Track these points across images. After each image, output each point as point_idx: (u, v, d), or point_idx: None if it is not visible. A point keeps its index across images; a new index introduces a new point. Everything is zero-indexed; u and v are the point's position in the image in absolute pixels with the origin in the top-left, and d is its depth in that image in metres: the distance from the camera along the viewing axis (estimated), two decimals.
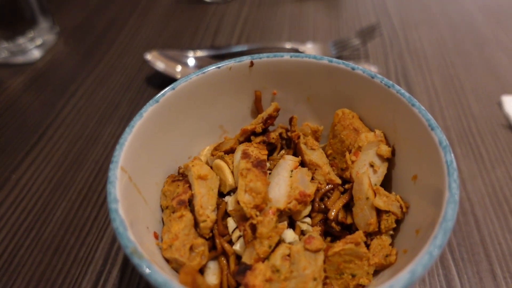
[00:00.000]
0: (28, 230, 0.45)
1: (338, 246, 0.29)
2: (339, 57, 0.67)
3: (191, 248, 0.29)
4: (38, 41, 0.75)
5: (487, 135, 0.53)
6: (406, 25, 0.77)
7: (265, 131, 0.39)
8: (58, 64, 0.73)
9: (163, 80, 0.65)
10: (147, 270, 0.22)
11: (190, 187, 0.33)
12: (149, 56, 0.62)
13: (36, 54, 0.74)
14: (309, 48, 0.68)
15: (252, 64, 0.37)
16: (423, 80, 0.63)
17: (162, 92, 0.34)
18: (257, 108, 0.40)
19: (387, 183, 0.35)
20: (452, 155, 0.27)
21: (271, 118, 0.39)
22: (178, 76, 0.60)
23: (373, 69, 0.63)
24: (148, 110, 0.32)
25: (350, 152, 0.35)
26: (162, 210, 0.34)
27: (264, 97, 0.40)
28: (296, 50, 0.69)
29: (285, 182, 0.32)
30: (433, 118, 0.30)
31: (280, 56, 0.37)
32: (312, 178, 0.34)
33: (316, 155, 0.35)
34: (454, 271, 0.39)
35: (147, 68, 0.69)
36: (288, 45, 0.69)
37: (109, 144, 0.56)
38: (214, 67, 0.36)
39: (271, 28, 0.79)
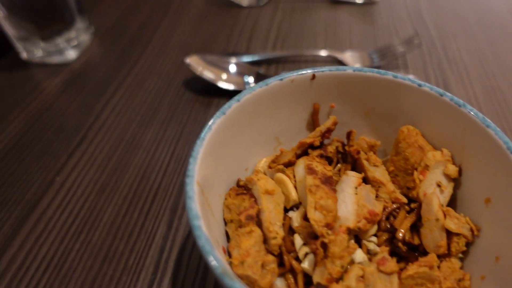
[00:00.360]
0: (77, 234, 0.46)
1: (412, 269, 0.28)
2: (379, 67, 0.66)
3: (262, 265, 0.29)
4: (75, 41, 0.75)
5: None
6: (443, 35, 0.76)
7: (321, 144, 0.39)
8: (94, 65, 0.73)
9: (201, 84, 0.65)
10: None
11: (256, 201, 0.32)
12: (189, 60, 0.62)
13: (72, 54, 0.75)
14: (349, 56, 0.68)
15: (314, 77, 0.37)
16: (464, 91, 0.62)
17: (228, 103, 0.34)
18: (313, 121, 0.40)
19: (452, 204, 0.34)
20: None
21: (328, 132, 0.38)
22: (223, 83, 0.60)
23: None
24: (216, 123, 0.32)
25: (415, 170, 0.34)
26: (226, 223, 0.34)
27: (322, 109, 0.40)
28: (335, 59, 0.68)
29: (351, 200, 0.32)
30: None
31: (342, 70, 0.37)
32: (376, 196, 0.34)
33: (379, 172, 0.35)
34: None
35: (184, 71, 0.69)
36: (324, 53, 0.69)
37: (151, 149, 0.56)
38: (276, 80, 0.36)
39: (306, 33, 0.78)
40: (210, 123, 0.32)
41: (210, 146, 0.31)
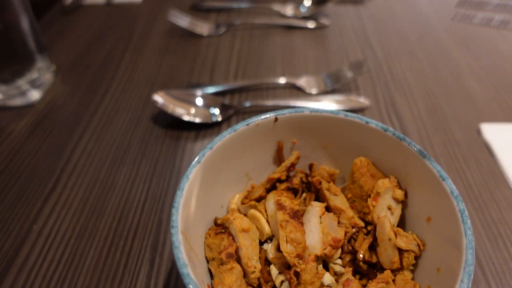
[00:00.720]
0: (60, 281, 0.47)
1: (372, 286, 0.33)
2: (332, 90, 0.72)
3: None
4: (37, 82, 0.75)
5: (471, 161, 0.60)
6: (388, 56, 0.84)
7: (287, 178, 0.43)
8: (59, 104, 0.74)
9: (170, 118, 0.68)
10: None
11: (233, 239, 0.36)
12: (156, 97, 0.65)
13: (35, 95, 0.75)
14: (305, 81, 0.73)
15: (276, 119, 0.41)
16: (409, 110, 0.70)
17: (202, 152, 0.37)
18: (278, 157, 0.45)
19: (401, 223, 0.40)
20: (463, 204, 0.32)
21: (293, 166, 0.43)
22: (190, 117, 0.63)
23: (364, 101, 0.69)
24: (193, 172, 0.36)
25: (369, 196, 0.40)
26: (208, 261, 0.37)
27: (285, 146, 0.45)
28: (293, 85, 0.74)
29: (317, 229, 0.37)
30: (444, 170, 0.35)
31: (301, 112, 0.41)
32: (338, 222, 0.38)
33: (339, 200, 0.40)
34: None
35: (151, 106, 0.71)
36: (283, 80, 0.74)
37: (126, 188, 0.58)
38: (243, 125, 0.40)
39: (265, 60, 0.83)
40: (187, 172, 0.35)
41: (189, 194, 0.35)
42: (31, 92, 0.75)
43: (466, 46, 0.86)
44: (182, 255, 0.29)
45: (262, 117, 0.41)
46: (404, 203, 0.40)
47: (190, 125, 0.66)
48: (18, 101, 0.74)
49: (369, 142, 0.41)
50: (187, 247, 0.32)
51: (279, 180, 0.43)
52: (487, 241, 0.50)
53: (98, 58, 0.86)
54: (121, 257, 0.49)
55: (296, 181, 0.43)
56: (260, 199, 0.42)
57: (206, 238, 0.38)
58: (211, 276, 0.37)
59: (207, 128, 0.66)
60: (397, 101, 0.71)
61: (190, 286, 0.28)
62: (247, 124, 0.40)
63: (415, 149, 0.37)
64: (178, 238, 0.30)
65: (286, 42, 0.89)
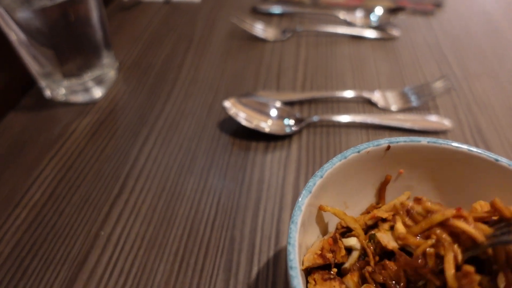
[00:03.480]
0: None
1: None
2: (415, 107, 0.67)
3: None
4: (101, 78, 0.74)
5: None
6: (466, 74, 0.78)
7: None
8: (122, 104, 0.72)
9: (236, 125, 0.64)
10: None
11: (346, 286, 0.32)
12: (227, 104, 0.62)
13: (98, 92, 0.73)
14: (379, 96, 0.69)
15: (389, 147, 0.37)
16: (496, 134, 0.64)
17: (312, 181, 0.34)
18: (380, 188, 0.41)
19: None
20: None
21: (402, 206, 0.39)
22: (267, 128, 0.60)
23: (446, 123, 0.64)
24: (304, 203, 0.32)
25: None
26: None
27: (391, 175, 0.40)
28: (366, 99, 0.69)
29: None
30: None
31: (417, 142, 0.37)
32: None
33: None
34: None
35: (216, 112, 0.69)
36: (352, 93, 0.70)
37: (195, 199, 0.55)
38: (354, 152, 0.36)
39: (333, 70, 0.79)
40: (299, 204, 0.32)
41: (301, 227, 0.31)
42: (95, 88, 0.73)
43: None
44: (298, 280, 0.26)
45: (375, 144, 0.37)
46: None
47: (258, 135, 0.63)
48: (81, 97, 0.72)
49: (492, 183, 0.36)
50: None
51: (383, 219, 0.39)
52: None
53: (159, 58, 0.84)
54: (193, 276, 0.46)
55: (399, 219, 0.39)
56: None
57: (309, 282, 0.34)
58: None
59: (277, 140, 0.63)
60: (481, 125, 0.66)
61: None
62: (358, 152, 0.36)
63: None
64: (295, 257, 0.27)
65: (355, 52, 0.85)
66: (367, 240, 0.37)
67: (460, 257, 0.28)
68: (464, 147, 0.36)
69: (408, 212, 0.34)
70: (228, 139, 0.64)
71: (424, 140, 0.37)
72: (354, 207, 0.41)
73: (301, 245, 0.31)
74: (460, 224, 0.29)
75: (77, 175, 0.59)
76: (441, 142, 0.37)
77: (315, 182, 0.33)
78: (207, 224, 0.52)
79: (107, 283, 0.46)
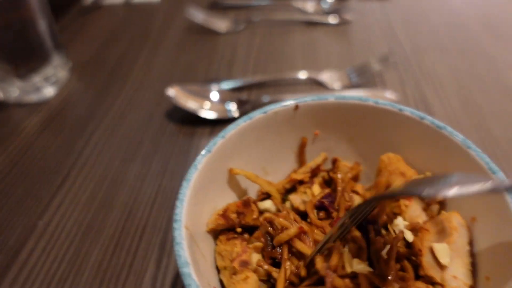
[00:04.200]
0: (62, 280, 0.44)
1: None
2: (357, 85, 0.67)
3: None
4: (52, 78, 0.74)
5: None
6: (417, 50, 0.78)
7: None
8: (73, 101, 0.72)
9: (184, 115, 0.64)
10: None
11: (247, 244, 0.32)
12: (171, 92, 0.62)
13: (50, 91, 0.74)
14: (327, 76, 0.69)
15: (297, 107, 0.37)
16: (441, 105, 0.64)
17: (213, 141, 0.34)
18: (300, 153, 0.41)
19: None
20: None
21: (318, 169, 0.39)
22: (205, 113, 0.60)
23: (391, 95, 0.64)
24: (202, 162, 0.32)
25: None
26: (219, 271, 0.33)
27: (306, 137, 0.40)
28: (314, 80, 0.70)
29: None
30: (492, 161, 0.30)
31: (324, 99, 0.37)
32: None
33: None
34: None
35: (166, 103, 0.69)
36: (303, 75, 0.70)
37: (136, 185, 0.55)
38: (260, 113, 0.36)
39: (285, 57, 0.80)
40: (195, 162, 0.32)
41: (196, 186, 0.31)
42: (46, 88, 0.73)
43: (502, 38, 0.80)
44: (184, 252, 0.25)
45: (282, 104, 0.37)
46: (442, 203, 0.35)
47: (205, 122, 0.63)
48: (33, 97, 0.72)
49: (401, 134, 0.36)
50: (193, 245, 0.28)
51: (300, 182, 0.39)
52: None
53: (115, 57, 0.84)
54: (127, 257, 0.46)
55: (317, 181, 0.39)
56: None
57: (217, 245, 0.34)
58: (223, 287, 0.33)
59: (223, 124, 0.62)
60: (427, 97, 0.66)
61: (192, 287, 0.23)
62: (265, 112, 0.36)
63: (459, 139, 0.32)
64: (181, 233, 0.27)
65: (307, 38, 0.85)
66: (282, 203, 0.37)
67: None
68: (371, 100, 0.36)
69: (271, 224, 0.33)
70: (175, 127, 0.64)
71: (331, 97, 0.37)
72: (275, 173, 0.41)
73: (201, 205, 0.31)
74: (298, 244, 0.31)
75: (22, 170, 0.59)
76: (348, 97, 0.37)
77: (216, 142, 0.33)
78: (146, 207, 0.52)
79: (39, 271, 0.45)
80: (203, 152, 0.32)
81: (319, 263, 0.29)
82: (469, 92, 0.66)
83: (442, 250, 0.30)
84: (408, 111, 0.35)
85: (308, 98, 0.37)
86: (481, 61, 0.74)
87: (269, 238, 0.32)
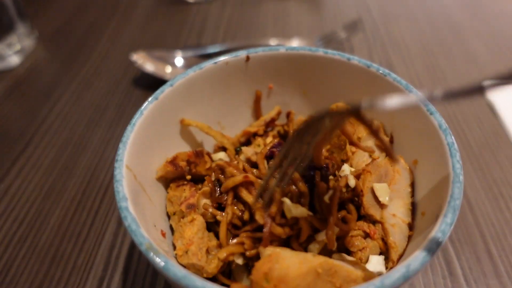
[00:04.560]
0: (22, 239, 0.44)
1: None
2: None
3: (207, 251, 0.29)
4: (17, 47, 0.72)
5: (472, 122, 0.55)
6: (386, 19, 0.79)
7: (264, 133, 0.40)
8: (39, 70, 0.71)
9: (151, 82, 0.64)
10: (165, 264, 0.22)
11: (195, 190, 0.32)
12: (135, 57, 0.62)
13: (15, 60, 0.72)
14: (296, 43, 0.69)
15: (248, 58, 0.37)
16: (407, 71, 0.65)
17: (161, 88, 0.34)
18: (255, 107, 0.41)
19: None
20: (453, 137, 0.28)
21: (272, 121, 0.39)
22: (168, 77, 0.59)
23: None
24: (148, 108, 0.32)
25: (349, 144, 0.35)
26: (169, 217, 0.33)
27: (260, 91, 0.40)
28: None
29: None
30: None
31: (275, 50, 0.37)
32: None
33: None
34: (452, 253, 0.40)
35: (133, 70, 0.68)
36: (273, 42, 0.70)
37: (99, 149, 0.54)
38: (211, 63, 0.36)
39: (255, 26, 0.79)
40: (141, 108, 0.32)
41: (142, 131, 0.31)
42: (10, 56, 0.72)
43: (470, 9, 0.80)
44: (122, 188, 0.26)
45: (232, 55, 0.37)
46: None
47: None
48: None
49: (351, 82, 0.37)
50: (136, 187, 0.28)
51: (255, 134, 0.39)
52: (487, 202, 0.46)
53: (83, 27, 0.82)
54: (88, 217, 0.46)
55: (272, 134, 0.39)
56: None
57: (168, 192, 0.34)
58: (173, 233, 0.33)
59: None
60: (393, 62, 0.66)
61: (127, 220, 0.24)
62: (215, 63, 0.36)
63: (402, 84, 0.33)
64: (122, 171, 0.27)
65: (279, 9, 0.84)
66: (235, 154, 0.37)
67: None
68: (320, 50, 0.36)
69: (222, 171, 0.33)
70: (141, 93, 0.63)
71: (282, 48, 0.37)
72: (231, 128, 0.41)
73: (149, 152, 0.31)
74: (242, 192, 0.32)
75: None
76: (298, 48, 0.37)
77: (164, 90, 0.33)
78: (108, 170, 0.51)
79: None
80: (150, 99, 0.32)
81: (258, 214, 0.29)
82: (434, 57, 0.67)
83: (381, 189, 0.31)
84: (355, 59, 0.35)
85: (259, 49, 0.37)
86: (448, 29, 0.75)
87: (217, 184, 0.33)
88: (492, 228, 0.43)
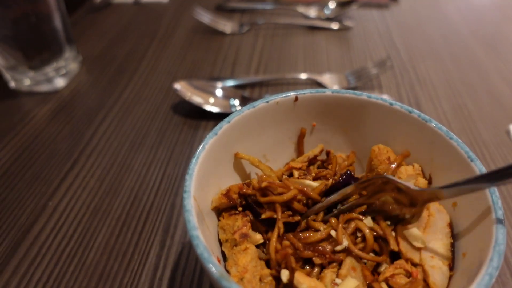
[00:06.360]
0: (71, 256, 0.47)
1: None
2: (355, 87, 0.71)
3: (260, 279, 0.32)
4: (63, 70, 0.77)
5: (500, 161, 0.57)
6: (413, 57, 0.82)
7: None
8: (83, 92, 0.75)
9: (189, 108, 0.68)
10: None
11: (248, 220, 0.35)
12: (177, 86, 0.65)
13: (60, 82, 0.77)
14: (327, 78, 0.72)
15: (296, 99, 0.40)
16: (434, 109, 0.67)
17: (219, 125, 0.37)
18: (298, 143, 0.44)
19: None
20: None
21: (315, 158, 0.42)
22: (210, 107, 0.63)
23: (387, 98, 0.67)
24: (209, 143, 0.35)
25: None
26: (221, 244, 0.36)
27: (305, 128, 0.43)
28: (314, 81, 0.73)
29: None
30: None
31: (322, 92, 0.40)
32: None
33: None
34: None
35: (172, 97, 0.72)
36: (304, 76, 0.73)
37: (142, 171, 0.58)
38: (263, 102, 0.39)
39: (286, 58, 0.83)
40: (203, 143, 0.35)
41: (204, 164, 0.34)
42: (57, 79, 0.77)
43: (494, 50, 0.83)
44: (193, 218, 0.28)
45: (283, 95, 0.40)
46: None
47: (209, 116, 0.66)
48: (44, 87, 0.76)
49: (391, 126, 0.39)
50: (200, 216, 0.31)
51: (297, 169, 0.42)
52: None
53: (123, 52, 0.88)
54: (133, 237, 0.49)
55: (313, 168, 0.42)
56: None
57: (220, 220, 0.37)
58: (225, 258, 0.36)
59: None
60: (421, 100, 0.69)
61: (199, 248, 0.26)
62: (267, 102, 0.39)
63: (443, 131, 0.35)
64: (190, 202, 0.29)
65: (309, 42, 0.89)
66: None
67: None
68: (364, 94, 0.39)
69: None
70: (180, 120, 0.67)
71: (328, 91, 0.40)
72: (275, 161, 0.44)
73: (207, 183, 0.34)
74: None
75: (32, 154, 0.61)
76: (343, 91, 0.40)
77: (222, 126, 0.36)
78: (151, 192, 0.54)
79: (49, 247, 0.48)
80: (210, 134, 0.35)
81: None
82: (460, 98, 0.70)
83: (412, 234, 0.33)
84: (398, 105, 0.38)
85: (307, 91, 0.40)
86: (472, 69, 0.77)
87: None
88: None
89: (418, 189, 0.31)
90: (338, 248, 0.32)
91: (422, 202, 0.32)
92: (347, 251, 0.33)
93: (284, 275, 0.31)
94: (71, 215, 0.52)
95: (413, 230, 0.33)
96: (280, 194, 0.35)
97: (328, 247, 0.32)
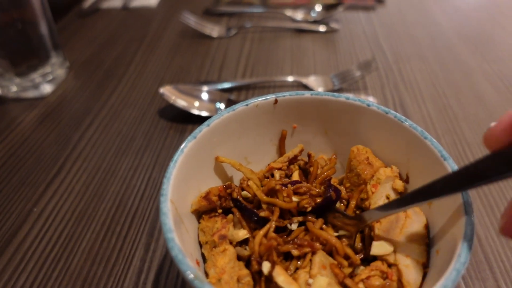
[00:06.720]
0: (55, 261, 0.47)
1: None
2: (340, 89, 0.71)
3: (238, 280, 0.32)
4: (50, 76, 0.77)
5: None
6: (399, 58, 0.83)
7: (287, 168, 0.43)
8: (69, 98, 0.75)
9: (176, 112, 0.68)
10: None
11: (227, 221, 0.35)
12: (162, 90, 0.66)
13: (47, 88, 0.77)
14: (312, 80, 0.73)
15: (276, 101, 0.41)
16: (419, 110, 0.68)
17: (198, 128, 0.37)
18: (280, 145, 0.44)
19: None
20: None
21: (295, 158, 0.42)
22: (195, 110, 0.64)
23: (372, 99, 0.68)
24: (188, 146, 0.35)
25: (366, 184, 0.38)
26: (201, 246, 0.36)
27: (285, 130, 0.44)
28: (300, 83, 0.74)
29: None
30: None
31: (301, 94, 0.41)
32: None
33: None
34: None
35: (158, 102, 0.72)
36: (291, 78, 0.74)
37: (127, 176, 0.58)
38: (243, 105, 0.39)
39: (273, 61, 0.84)
40: (182, 146, 0.35)
41: (183, 168, 0.34)
42: (43, 85, 0.77)
43: (479, 50, 0.85)
44: (169, 220, 0.29)
45: (262, 98, 0.40)
46: (404, 191, 0.39)
47: (195, 120, 0.66)
48: (30, 93, 0.76)
49: (370, 127, 0.40)
50: (177, 219, 0.31)
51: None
52: (496, 238, 0.48)
53: (110, 57, 0.88)
54: (117, 242, 0.49)
55: (293, 169, 0.42)
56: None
57: (200, 223, 0.37)
58: (205, 260, 0.36)
59: None
60: (406, 101, 0.70)
61: (174, 250, 0.27)
62: (247, 105, 0.40)
63: (418, 130, 0.36)
64: (167, 205, 0.30)
65: (296, 45, 0.89)
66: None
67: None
68: (342, 96, 0.40)
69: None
70: (166, 124, 0.67)
71: (307, 93, 0.41)
72: (257, 163, 0.44)
73: (186, 186, 0.34)
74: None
75: (18, 160, 0.61)
76: (322, 94, 0.41)
77: (201, 129, 0.37)
78: (136, 197, 0.55)
79: (34, 252, 0.48)
80: (189, 137, 0.36)
81: None
82: (445, 98, 0.71)
83: (377, 247, 0.33)
84: (375, 106, 0.39)
85: (287, 93, 0.41)
86: (457, 70, 0.79)
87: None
88: (502, 264, 0.45)
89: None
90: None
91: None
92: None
93: (266, 267, 0.31)
94: (56, 220, 0.52)
95: (378, 243, 0.34)
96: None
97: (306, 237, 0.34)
